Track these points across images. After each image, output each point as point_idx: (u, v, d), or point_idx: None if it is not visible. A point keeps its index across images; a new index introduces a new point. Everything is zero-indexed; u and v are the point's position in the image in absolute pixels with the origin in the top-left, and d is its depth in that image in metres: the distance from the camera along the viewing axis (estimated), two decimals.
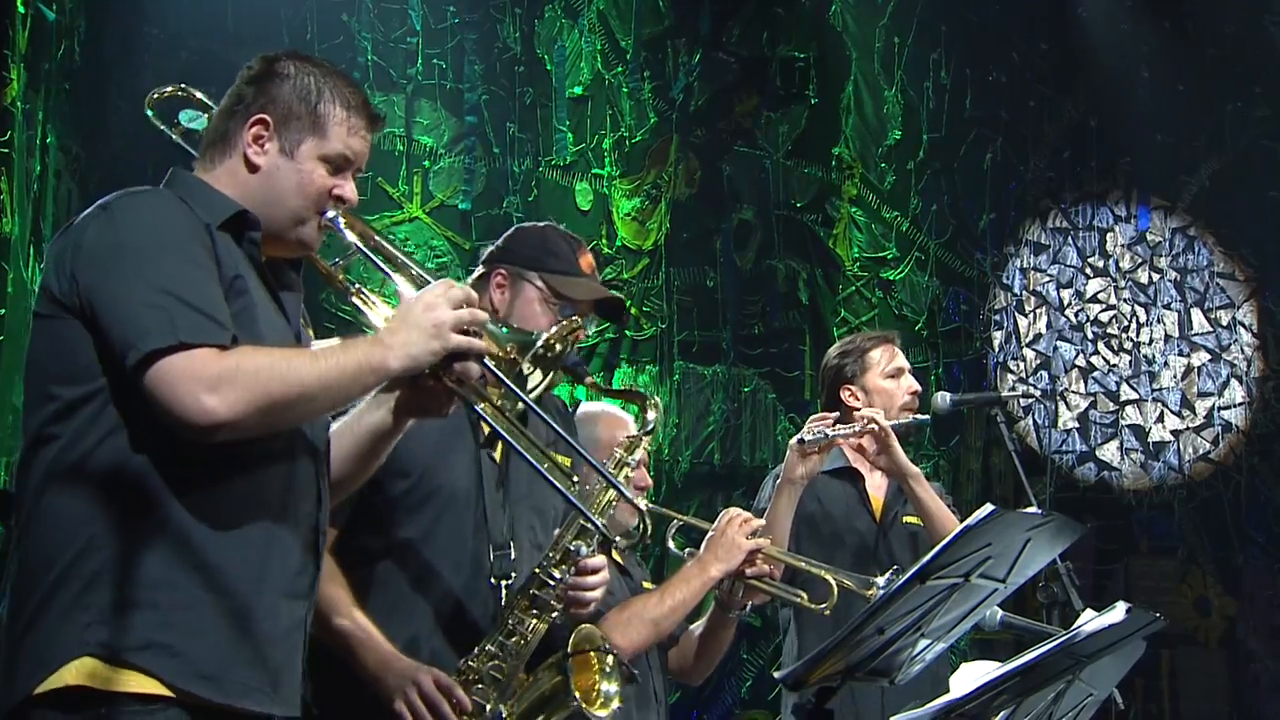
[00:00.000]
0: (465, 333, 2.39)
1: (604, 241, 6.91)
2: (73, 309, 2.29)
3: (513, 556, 3.09)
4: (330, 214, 2.50)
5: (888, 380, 4.47)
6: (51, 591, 2.24)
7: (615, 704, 3.15)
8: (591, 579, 3.12)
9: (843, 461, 4.48)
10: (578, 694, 3.04)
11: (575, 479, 3.05)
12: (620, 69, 7.09)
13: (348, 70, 6.52)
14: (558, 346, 2.61)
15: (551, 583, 3.04)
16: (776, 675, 3.32)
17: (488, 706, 2.96)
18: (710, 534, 3.82)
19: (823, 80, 7.40)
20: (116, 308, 2.26)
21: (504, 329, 2.56)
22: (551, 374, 2.63)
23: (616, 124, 7.04)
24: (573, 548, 3.08)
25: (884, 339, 4.57)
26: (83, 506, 2.26)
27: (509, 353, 2.52)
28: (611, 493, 3.22)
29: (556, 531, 3.14)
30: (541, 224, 3.45)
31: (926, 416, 4.44)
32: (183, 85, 2.82)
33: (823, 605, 3.81)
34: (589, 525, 3.00)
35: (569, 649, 3.06)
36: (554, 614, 3.05)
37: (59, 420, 2.29)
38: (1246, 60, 7.68)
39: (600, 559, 3.16)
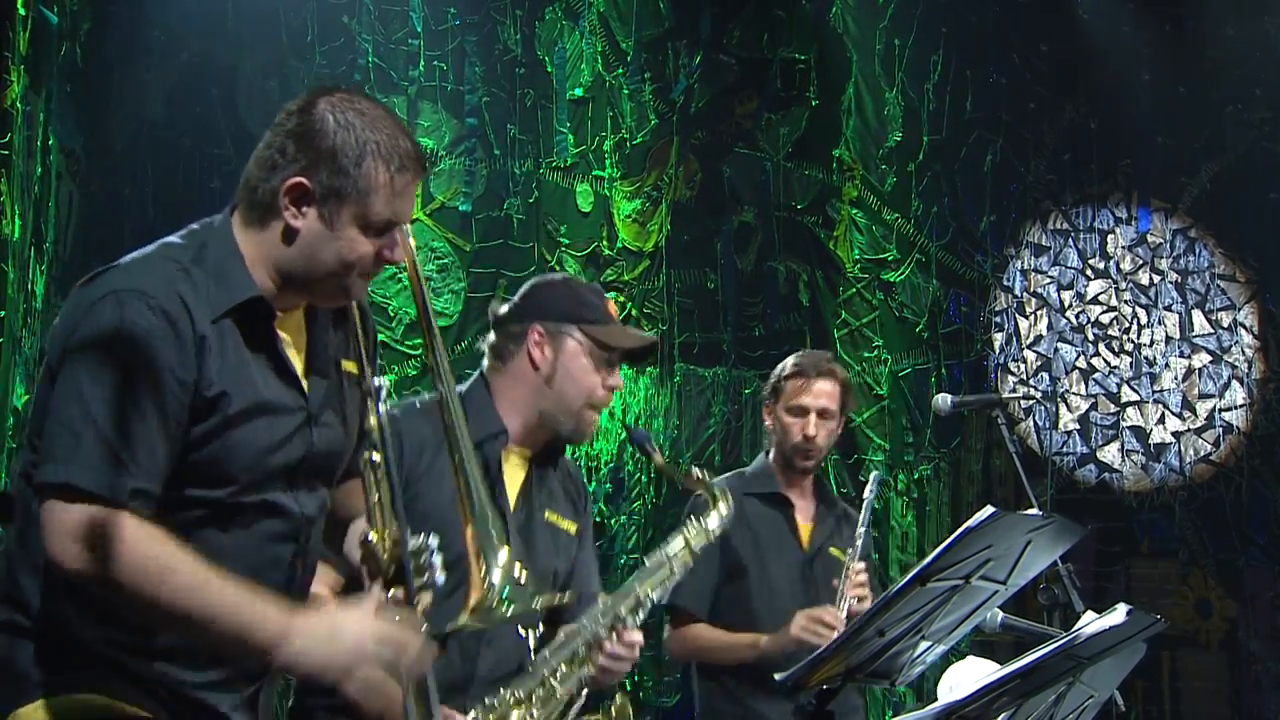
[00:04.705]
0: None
1: (605, 243, 6.91)
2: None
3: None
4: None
5: (788, 416, 4.42)
6: (34, 628, 2.29)
7: None
8: (630, 653, 3.16)
9: (774, 487, 4.47)
10: None
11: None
12: (621, 71, 7.09)
13: (348, 73, 6.57)
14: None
15: (595, 645, 3.09)
16: (777, 677, 3.33)
17: None
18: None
19: (823, 82, 7.40)
20: (50, 418, 2.23)
21: (505, 588, 2.39)
22: None
23: (617, 126, 7.04)
24: (624, 615, 3.13)
25: (809, 372, 4.43)
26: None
27: None
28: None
29: (606, 599, 3.18)
30: (558, 276, 3.46)
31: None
32: None
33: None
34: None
35: None
36: (584, 672, 3.08)
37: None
38: (1247, 62, 7.68)
39: (639, 635, 3.20)
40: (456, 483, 2.43)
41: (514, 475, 3.27)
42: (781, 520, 4.38)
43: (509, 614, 2.38)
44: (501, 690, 3.03)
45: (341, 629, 2.22)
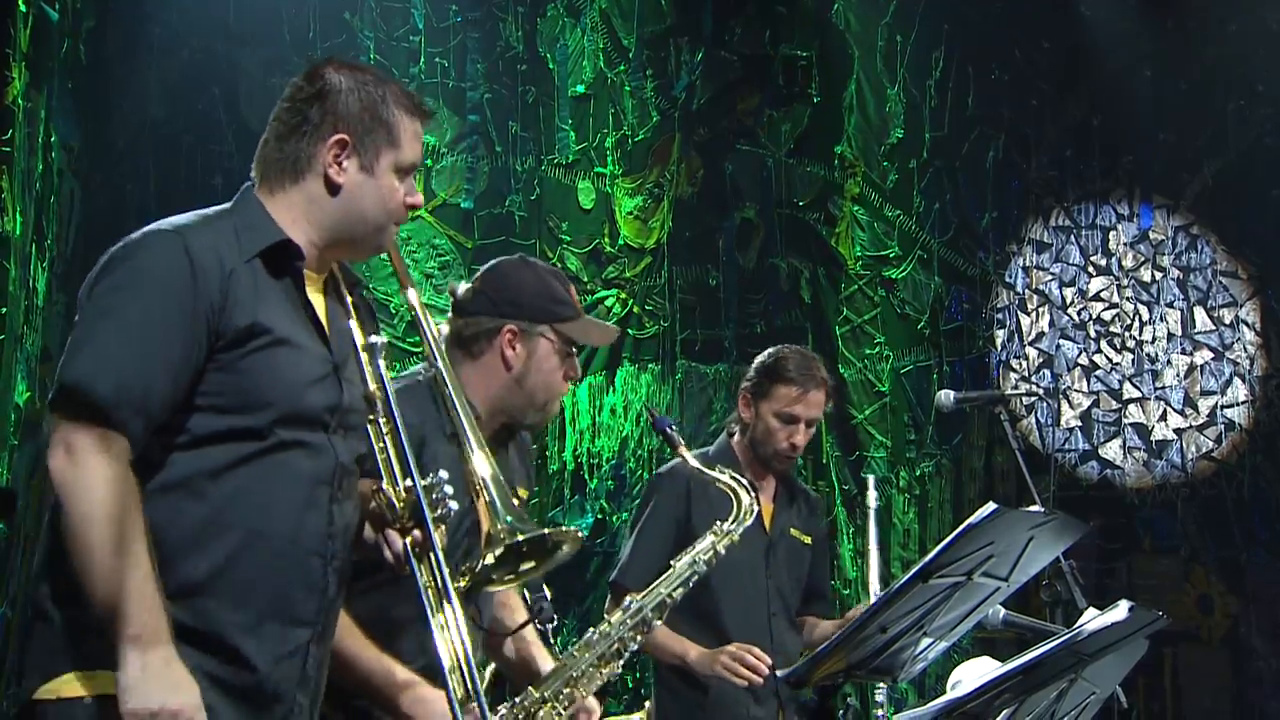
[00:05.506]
0: None
1: (606, 240, 6.90)
2: None
3: (549, 597, 3.12)
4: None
5: (775, 420, 4.38)
6: (56, 604, 2.29)
7: None
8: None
9: (739, 473, 4.44)
10: None
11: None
12: (622, 67, 7.09)
13: None
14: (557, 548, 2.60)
15: (622, 645, 3.21)
16: (779, 674, 3.33)
17: None
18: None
19: (825, 79, 7.40)
20: (71, 337, 2.31)
21: (509, 518, 2.50)
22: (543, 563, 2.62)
23: (619, 122, 7.04)
24: (650, 617, 3.28)
25: (805, 384, 4.38)
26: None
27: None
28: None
29: (633, 602, 3.29)
30: (528, 262, 3.33)
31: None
32: None
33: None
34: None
35: None
36: (607, 671, 3.17)
37: None
38: (1249, 58, 7.67)
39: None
40: (455, 427, 2.60)
41: None
42: None
43: (518, 535, 2.48)
44: (530, 688, 3.06)
45: (167, 678, 2.19)
